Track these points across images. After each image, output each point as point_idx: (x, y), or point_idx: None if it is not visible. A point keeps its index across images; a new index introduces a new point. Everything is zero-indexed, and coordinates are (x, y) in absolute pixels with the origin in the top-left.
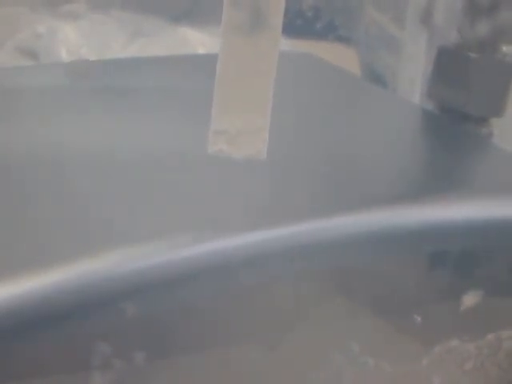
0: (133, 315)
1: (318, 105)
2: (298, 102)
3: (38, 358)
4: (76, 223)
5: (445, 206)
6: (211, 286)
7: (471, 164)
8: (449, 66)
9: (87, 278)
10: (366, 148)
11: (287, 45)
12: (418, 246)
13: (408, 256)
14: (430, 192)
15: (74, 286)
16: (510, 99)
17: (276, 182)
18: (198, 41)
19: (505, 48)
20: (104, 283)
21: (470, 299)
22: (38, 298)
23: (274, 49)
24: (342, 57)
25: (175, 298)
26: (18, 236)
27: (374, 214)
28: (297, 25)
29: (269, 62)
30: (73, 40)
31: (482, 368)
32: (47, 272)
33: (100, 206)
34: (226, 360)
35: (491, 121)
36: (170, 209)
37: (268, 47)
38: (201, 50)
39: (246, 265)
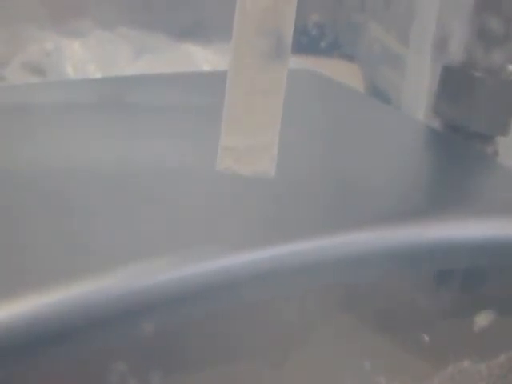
0: (149, 333)
1: (322, 122)
2: (302, 119)
3: (54, 378)
4: (84, 239)
5: (450, 224)
6: (224, 301)
7: (476, 182)
8: (454, 84)
9: (102, 295)
10: (370, 165)
11: (291, 62)
12: (424, 264)
13: (413, 274)
14: (435, 210)
15: (90, 303)
16: None
17: (281, 199)
18: (202, 57)
19: (511, 67)
20: (120, 300)
21: (483, 319)
22: (53, 315)
23: (284, 68)
24: (346, 73)
25: (190, 313)
26: (28, 253)
27: (377, 232)
28: (302, 42)
29: (279, 81)
30: (79, 57)
31: None
32: (61, 288)
33: (108, 223)
34: (233, 377)
35: (496, 139)
36: (177, 224)
37: (279, 67)
38: (205, 67)
39: (255, 281)
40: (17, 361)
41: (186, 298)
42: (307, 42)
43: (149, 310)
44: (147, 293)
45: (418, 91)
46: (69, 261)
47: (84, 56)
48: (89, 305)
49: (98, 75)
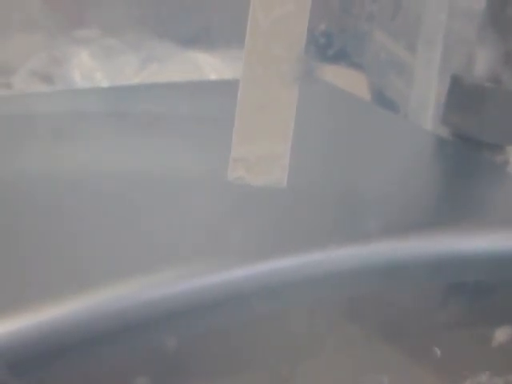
0: (171, 347)
1: (329, 131)
2: (308, 128)
3: None
4: (95, 250)
5: (461, 236)
6: (234, 314)
7: (486, 193)
8: (463, 94)
9: (124, 308)
10: (378, 175)
11: None
12: (435, 277)
13: (429, 287)
14: (445, 221)
15: (113, 317)
16: None
17: (289, 210)
18: (209, 65)
19: None
20: (143, 312)
21: (502, 334)
22: (74, 329)
23: (296, 77)
24: (353, 82)
25: (210, 326)
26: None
27: (386, 244)
28: (309, 51)
29: (291, 91)
30: (87, 64)
31: None
32: (82, 300)
33: (117, 234)
34: None
35: (507, 149)
36: (182, 236)
37: (291, 78)
38: (212, 75)
39: (265, 293)
40: (33, 375)
41: (198, 311)
42: (315, 51)
43: (159, 322)
44: (157, 305)
45: (425, 100)
46: (76, 273)
47: (92, 64)
48: (114, 318)
49: (106, 83)
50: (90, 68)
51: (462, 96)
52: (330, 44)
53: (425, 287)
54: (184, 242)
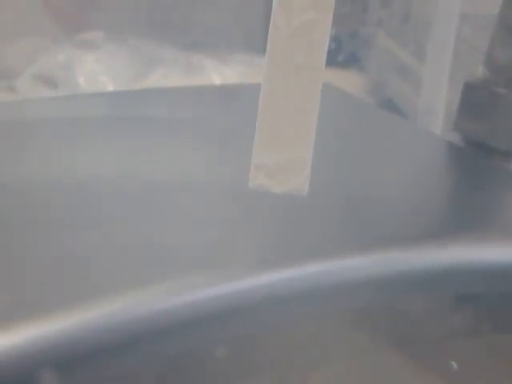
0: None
1: (338, 137)
2: (318, 133)
3: None
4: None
5: (473, 246)
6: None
7: (498, 201)
8: (476, 100)
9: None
10: (388, 181)
11: None
12: (448, 287)
13: (441, 296)
14: (456, 230)
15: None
16: None
17: (297, 219)
18: (213, 69)
19: None
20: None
21: None
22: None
23: (318, 84)
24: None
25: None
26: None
27: (397, 254)
28: None
29: (313, 96)
30: (91, 68)
31: None
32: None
33: (127, 239)
34: None
35: None
36: (191, 244)
37: (313, 83)
38: (217, 79)
39: (276, 302)
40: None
41: (218, 319)
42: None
43: (172, 332)
44: (170, 315)
45: (434, 107)
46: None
47: (96, 68)
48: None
49: (110, 87)
50: (94, 72)
51: (475, 102)
52: (340, 49)
53: (441, 297)
54: (191, 251)
